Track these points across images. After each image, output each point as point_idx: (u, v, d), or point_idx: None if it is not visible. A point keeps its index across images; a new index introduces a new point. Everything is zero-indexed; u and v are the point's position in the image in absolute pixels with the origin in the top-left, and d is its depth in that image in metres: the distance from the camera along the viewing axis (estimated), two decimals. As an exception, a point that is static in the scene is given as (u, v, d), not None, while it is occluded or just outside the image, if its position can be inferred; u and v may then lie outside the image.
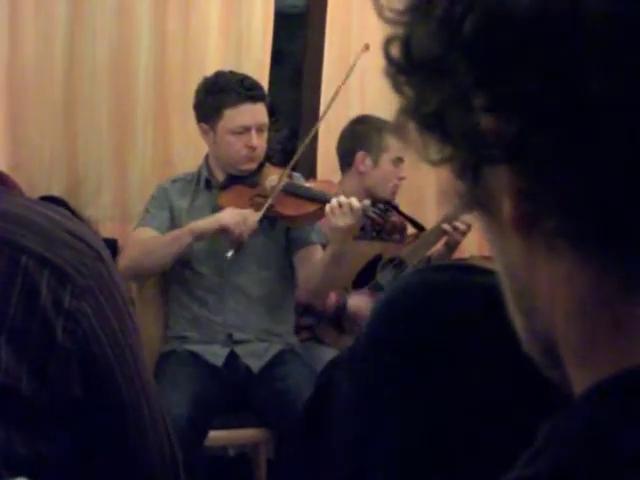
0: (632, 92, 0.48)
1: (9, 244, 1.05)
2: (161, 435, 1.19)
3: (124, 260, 3.36)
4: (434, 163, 0.56)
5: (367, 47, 3.60)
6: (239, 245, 3.36)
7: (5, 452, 1.01)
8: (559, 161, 0.50)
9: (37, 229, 1.08)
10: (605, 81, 0.48)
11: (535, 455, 0.51)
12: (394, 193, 3.85)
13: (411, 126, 0.56)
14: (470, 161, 0.54)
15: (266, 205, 3.39)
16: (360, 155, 3.81)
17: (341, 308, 3.71)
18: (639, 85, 0.48)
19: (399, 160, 3.81)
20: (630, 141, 0.49)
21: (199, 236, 3.38)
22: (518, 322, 0.60)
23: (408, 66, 0.55)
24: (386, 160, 3.80)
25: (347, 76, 3.61)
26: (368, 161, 3.81)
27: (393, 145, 3.77)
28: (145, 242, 3.41)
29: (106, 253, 1.15)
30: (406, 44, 0.54)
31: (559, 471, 0.49)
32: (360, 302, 3.72)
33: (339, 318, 3.72)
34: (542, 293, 0.56)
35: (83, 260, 1.09)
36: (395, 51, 0.55)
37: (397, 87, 0.56)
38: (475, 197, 0.56)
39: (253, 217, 3.35)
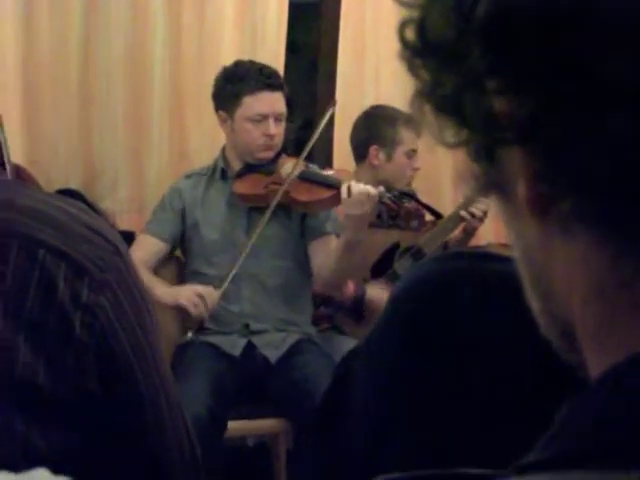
0: None
1: (26, 238, 1.05)
2: (180, 431, 1.19)
3: None
4: (450, 146, 0.56)
5: (334, 103, 3.64)
6: (199, 325, 3.39)
7: (24, 446, 1.01)
8: (573, 143, 0.50)
9: (54, 223, 1.08)
10: (619, 63, 0.48)
11: (552, 439, 0.51)
12: (409, 184, 3.84)
13: (427, 109, 0.56)
14: (485, 144, 0.54)
15: (281, 191, 3.39)
16: (373, 149, 3.81)
17: (360, 298, 3.71)
18: None
19: (413, 152, 3.81)
20: None
21: (159, 303, 3.39)
22: (535, 306, 0.60)
23: (423, 49, 0.55)
24: (400, 153, 3.80)
25: (320, 127, 3.57)
26: (382, 155, 3.81)
27: (407, 138, 3.77)
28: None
29: (124, 247, 1.15)
30: (421, 27, 0.55)
31: (575, 455, 0.49)
32: (379, 293, 3.71)
33: (358, 308, 3.72)
34: (559, 276, 0.56)
35: (101, 254, 1.09)
36: (410, 34, 0.55)
37: (413, 70, 0.56)
38: (491, 180, 0.56)
39: (213, 296, 3.36)
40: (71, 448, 1.06)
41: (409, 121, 3.74)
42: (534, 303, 0.60)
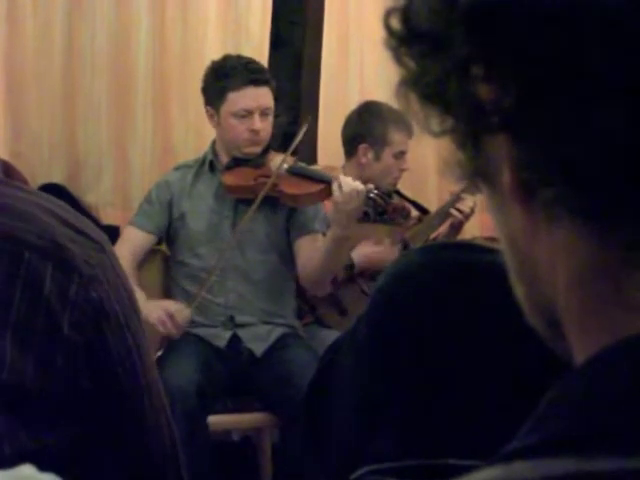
0: (629, 67, 0.48)
1: (11, 239, 1.05)
2: (162, 427, 1.19)
3: None
4: (435, 135, 0.56)
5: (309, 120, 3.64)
6: (165, 344, 3.38)
7: (12, 447, 1.01)
8: (556, 129, 0.51)
9: (38, 223, 1.07)
10: (604, 54, 0.48)
11: (536, 424, 0.51)
12: (395, 184, 3.86)
13: (412, 98, 0.56)
14: (470, 131, 0.54)
15: (269, 183, 3.40)
16: (362, 148, 3.82)
17: (349, 268, 3.72)
18: (635, 61, 0.48)
19: (401, 153, 3.83)
20: (628, 113, 0.49)
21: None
22: (520, 292, 0.60)
23: (408, 37, 0.55)
24: (388, 154, 3.82)
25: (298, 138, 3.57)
26: (370, 154, 3.82)
27: (397, 139, 3.79)
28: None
29: (108, 245, 1.15)
30: (406, 15, 0.55)
31: (559, 442, 0.49)
32: (363, 250, 3.73)
33: (339, 299, 3.73)
34: (543, 263, 0.56)
35: (88, 252, 1.09)
36: (395, 23, 0.56)
37: (398, 59, 0.56)
38: (476, 167, 0.56)
39: (183, 314, 3.35)
40: (61, 448, 1.06)
41: (401, 122, 3.76)
42: (519, 290, 0.60)
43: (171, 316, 3.32)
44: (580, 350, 0.55)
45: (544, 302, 0.58)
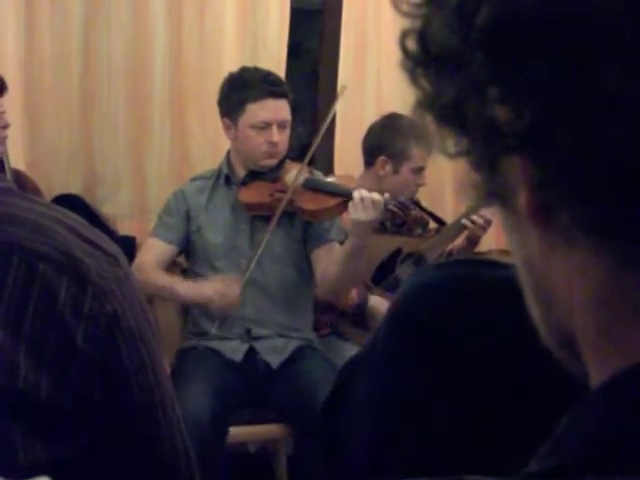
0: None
1: (26, 251, 1.05)
2: (176, 440, 1.19)
3: (135, 268, 3.44)
4: (451, 156, 0.56)
5: (342, 90, 3.63)
6: (223, 318, 3.42)
7: (26, 458, 1.01)
8: (573, 151, 0.50)
9: (53, 235, 1.07)
10: (620, 76, 0.48)
11: (551, 450, 0.51)
12: (411, 198, 3.86)
13: (428, 119, 0.55)
14: (486, 153, 0.54)
15: (286, 199, 3.40)
16: (381, 160, 3.82)
17: (362, 306, 3.72)
18: None
19: (420, 169, 3.82)
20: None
21: (181, 302, 3.54)
22: (536, 314, 0.60)
23: (424, 58, 0.55)
24: (407, 169, 3.82)
25: (332, 109, 3.59)
26: (388, 167, 3.82)
27: (416, 154, 3.79)
28: (145, 270, 3.45)
29: (123, 259, 1.15)
30: (422, 36, 0.55)
31: (575, 466, 0.49)
32: (381, 301, 3.72)
33: (360, 315, 3.72)
34: (559, 285, 0.56)
35: (102, 265, 1.09)
36: (411, 44, 0.56)
37: (414, 80, 0.56)
38: (492, 189, 0.56)
39: (235, 290, 3.39)
40: (75, 458, 1.06)
41: (422, 138, 3.76)
42: (534, 310, 0.60)
43: (226, 291, 3.37)
44: (596, 372, 0.55)
45: (560, 324, 0.57)
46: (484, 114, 0.52)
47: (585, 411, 0.52)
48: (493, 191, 0.56)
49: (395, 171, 3.82)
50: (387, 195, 3.32)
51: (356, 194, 3.26)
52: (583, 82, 0.49)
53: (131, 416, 1.13)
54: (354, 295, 3.69)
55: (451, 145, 0.56)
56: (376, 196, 3.26)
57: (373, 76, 4.28)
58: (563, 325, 0.57)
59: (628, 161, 0.49)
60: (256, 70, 3.54)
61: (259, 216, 3.50)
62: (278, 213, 3.40)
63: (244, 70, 3.54)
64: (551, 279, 0.56)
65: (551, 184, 0.52)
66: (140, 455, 1.15)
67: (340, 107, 4.18)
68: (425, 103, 0.56)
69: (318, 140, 3.52)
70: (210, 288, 3.41)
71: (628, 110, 0.49)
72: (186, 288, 3.46)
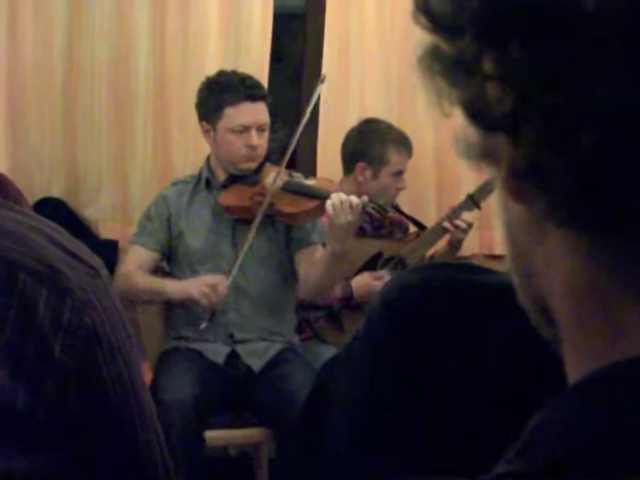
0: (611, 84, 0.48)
1: (7, 262, 1.04)
2: (154, 450, 1.18)
3: (118, 277, 3.45)
4: (450, 102, 0.54)
5: (323, 79, 3.60)
6: (211, 314, 3.41)
7: (4, 469, 1.01)
8: (547, 140, 0.50)
9: (33, 245, 1.06)
10: (595, 78, 0.48)
11: (523, 449, 0.51)
12: (392, 203, 3.87)
13: (436, 68, 0.55)
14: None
15: (265, 203, 3.40)
16: (360, 166, 3.84)
17: (349, 297, 3.73)
18: (627, 77, 0.48)
19: (399, 173, 3.84)
20: (611, 128, 0.49)
21: (168, 301, 3.51)
22: (515, 280, 0.60)
23: (429, 18, 0.55)
24: (386, 173, 3.83)
25: (310, 106, 3.56)
26: (367, 173, 3.84)
27: (395, 159, 3.81)
28: (129, 276, 3.46)
29: (104, 270, 1.14)
30: None
31: (548, 466, 0.49)
32: (363, 281, 3.73)
33: (350, 303, 3.72)
34: (539, 261, 0.56)
35: (82, 276, 1.09)
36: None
37: (421, 27, 0.55)
38: (485, 148, 0.55)
39: (223, 285, 3.38)
40: (50, 469, 1.05)
41: (400, 142, 3.78)
42: (514, 276, 0.60)
43: (213, 287, 3.35)
44: (572, 364, 0.55)
45: (537, 295, 0.57)
46: (474, 87, 0.52)
47: (553, 414, 0.52)
48: (485, 150, 0.55)
49: (374, 176, 3.83)
50: (365, 197, 3.32)
51: (334, 196, 3.27)
52: (559, 83, 0.49)
53: (108, 426, 1.13)
54: (338, 292, 3.70)
55: (449, 95, 0.54)
56: (354, 199, 3.26)
57: (356, 79, 4.27)
58: (540, 296, 0.57)
59: (594, 162, 0.49)
60: (234, 74, 3.53)
61: (241, 220, 3.49)
62: (259, 216, 3.40)
63: (221, 74, 3.54)
64: (532, 252, 0.56)
65: (526, 175, 0.52)
66: (117, 465, 1.15)
67: (323, 110, 4.19)
68: (432, 54, 0.55)
69: (297, 136, 3.50)
70: (198, 282, 3.40)
71: (601, 116, 0.49)
72: (172, 286, 3.46)
